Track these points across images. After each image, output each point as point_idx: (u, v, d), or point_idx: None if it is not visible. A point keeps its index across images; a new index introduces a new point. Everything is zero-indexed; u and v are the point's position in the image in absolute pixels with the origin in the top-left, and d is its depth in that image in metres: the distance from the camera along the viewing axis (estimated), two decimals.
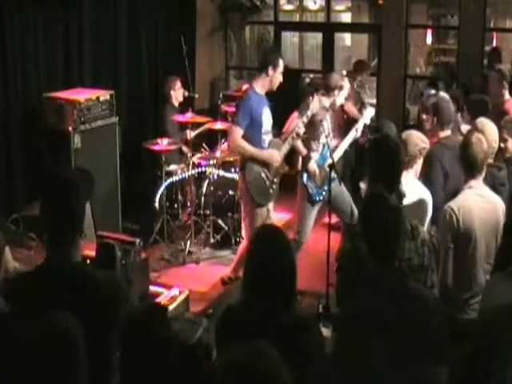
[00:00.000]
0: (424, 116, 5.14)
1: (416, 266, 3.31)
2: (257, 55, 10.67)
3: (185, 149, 7.08)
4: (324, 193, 5.79)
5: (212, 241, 6.96)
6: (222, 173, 6.96)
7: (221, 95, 8.37)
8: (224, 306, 2.81)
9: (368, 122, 5.99)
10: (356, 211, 5.66)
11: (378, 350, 2.67)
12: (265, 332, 2.29)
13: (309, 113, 5.52)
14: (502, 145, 4.70)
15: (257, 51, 10.87)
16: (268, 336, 2.03)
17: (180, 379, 2.33)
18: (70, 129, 5.97)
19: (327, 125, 5.83)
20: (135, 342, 2.31)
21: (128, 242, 4.60)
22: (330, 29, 9.61)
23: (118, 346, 2.36)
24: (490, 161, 4.36)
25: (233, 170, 6.84)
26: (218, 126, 7.28)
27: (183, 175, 6.93)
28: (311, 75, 10.05)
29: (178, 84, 7.40)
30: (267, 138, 5.56)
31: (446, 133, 4.91)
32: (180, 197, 7.20)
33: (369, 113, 6.04)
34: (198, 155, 7.16)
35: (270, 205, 5.71)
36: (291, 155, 5.97)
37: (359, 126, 5.95)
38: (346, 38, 11.70)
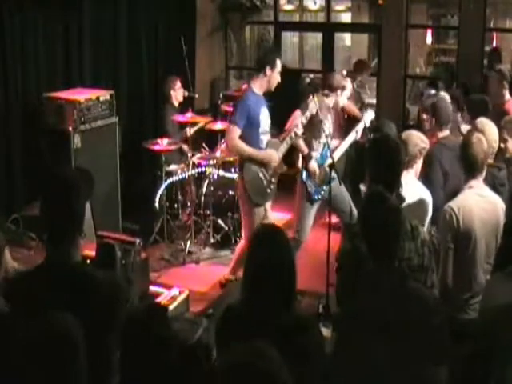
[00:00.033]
0: (424, 116, 5.14)
1: (416, 266, 3.31)
2: (257, 55, 10.66)
3: (184, 147, 7.07)
4: (323, 192, 5.80)
5: (212, 241, 6.96)
6: (221, 173, 6.96)
7: (221, 95, 8.35)
8: (224, 306, 2.81)
9: (368, 124, 6.00)
10: (355, 211, 5.66)
11: (378, 350, 2.67)
12: (265, 332, 2.29)
13: (307, 113, 5.51)
14: (502, 145, 4.70)
15: (257, 51, 10.85)
16: (268, 336, 2.03)
17: (180, 379, 2.33)
18: (70, 129, 5.97)
19: (328, 125, 5.84)
20: (135, 342, 2.30)
21: (128, 242, 4.59)
22: (329, 29, 9.60)
23: (117, 346, 2.36)
24: (490, 161, 4.36)
25: (233, 169, 6.82)
26: (218, 125, 7.26)
27: (183, 175, 6.93)
28: (311, 75, 10.07)
29: (178, 84, 7.40)
30: (265, 137, 5.55)
31: (445, 133, 4.92)
32: (180, 197, 7.20)
33: (369, 116, 6.04)
34: (198, 155, 7.16)
35: (268, 204, 5.70)
36: (289, 155, 5.97)
37: (359, 128, 5.94)
38: (346, 38, 11.70)
